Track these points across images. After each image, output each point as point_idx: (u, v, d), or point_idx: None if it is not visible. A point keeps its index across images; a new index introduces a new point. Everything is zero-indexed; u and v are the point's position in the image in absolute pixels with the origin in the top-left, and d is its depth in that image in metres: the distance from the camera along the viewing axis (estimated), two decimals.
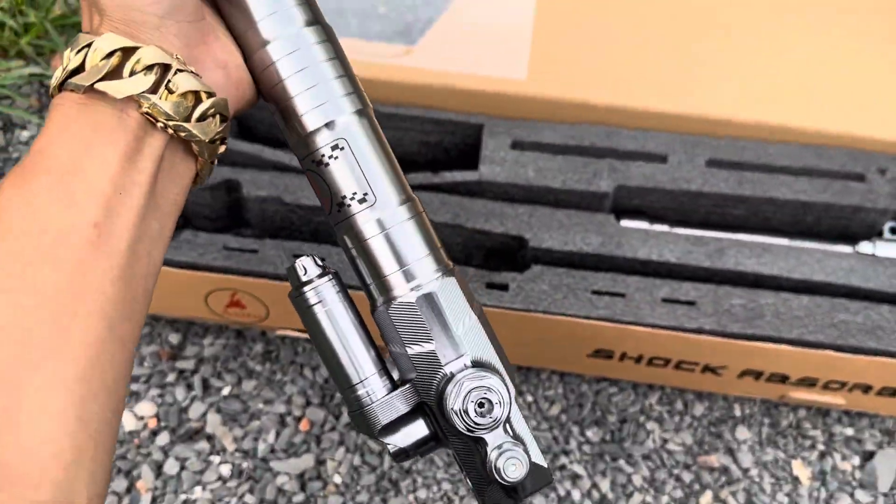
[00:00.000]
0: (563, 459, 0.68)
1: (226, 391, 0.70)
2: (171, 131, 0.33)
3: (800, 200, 0.70)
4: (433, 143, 0.78)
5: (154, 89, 0.31)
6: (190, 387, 0.70)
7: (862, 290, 0.67)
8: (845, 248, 0.70)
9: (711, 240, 0.68)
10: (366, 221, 0.38)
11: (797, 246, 0.70)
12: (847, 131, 0.72)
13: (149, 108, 0.32)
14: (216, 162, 0.38)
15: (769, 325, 0.64)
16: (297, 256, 0.66)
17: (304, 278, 0.39)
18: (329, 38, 0.39)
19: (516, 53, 0.76)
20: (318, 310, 0.38)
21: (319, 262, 0.40)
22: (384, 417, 0.37)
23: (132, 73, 0.31)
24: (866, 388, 0.67)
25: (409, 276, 0.38)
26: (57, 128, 0.31)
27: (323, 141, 0.37)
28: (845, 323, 0.64)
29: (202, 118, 0.33)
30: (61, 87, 0.32)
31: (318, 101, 0.37)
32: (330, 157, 0.38)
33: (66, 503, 0.28)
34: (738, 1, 0.78)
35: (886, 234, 0.72)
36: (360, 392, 0.38)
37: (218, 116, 0.35)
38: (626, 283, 0.66)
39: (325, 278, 0.39)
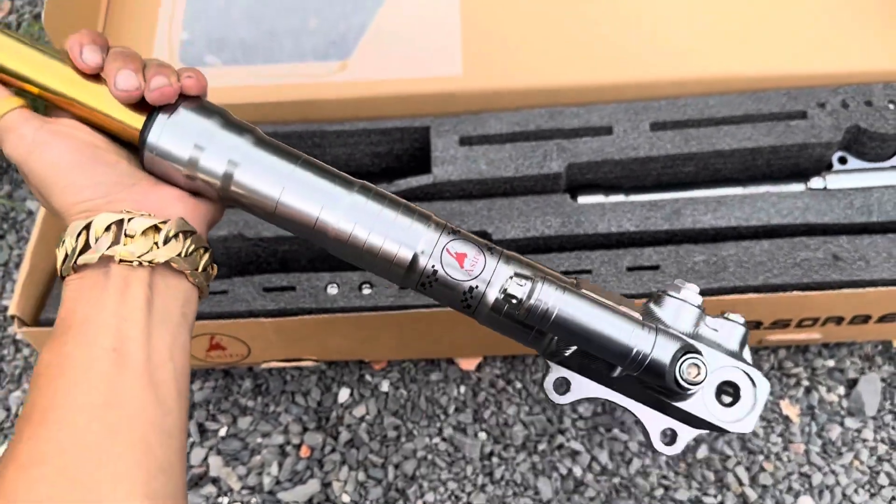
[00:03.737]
0: (560, 438, 0.70)
1: (223, 432, 0.71)
2: (146, 264, 0.39)
3: (746, 148, 0.71)
4: (384, 153, 0.79)
5: (115, 241, 0.38)
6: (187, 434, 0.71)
7: (819, 225, 0.68)
8: (798, 187, 0.72)
9: (667, 202, 0.70)
10: (493, 291, 0.41)
11: (751, 193, 0.71)
12: (782, 72, 0.74)
13: (120, 256, 0.38)
14: (213, 269, 0.43)
15: (734, 275, 0.65)
16: (269, 290, 0.67)
17: (522, 294, 0.39)
18: (368, 189, 0.42)
19: (449, 51, 0.77)
20: (558, 307, 0.38)
21: (519, 272, 0.42)
22: (665, 358, 0.39)
23: (96, 240, 0.38)
24: (839, 320, 0.69)
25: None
26: (69, 300, 0.39)
27: (421, 266, 0.41)
28: (807, 261, 0.66)
29: (167, 241, 0.39)
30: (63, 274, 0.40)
31: (399, 241, 0.41)
32: (434, 271, 0.41)
33: None
34: None
35: (836, 166, 0.74)
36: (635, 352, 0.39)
37: (181, 235, 0.40)
38: (591, 259, 0.67)
39: (539, 281, 0.39)
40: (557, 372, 0.43)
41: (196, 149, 0.40)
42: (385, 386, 0.72)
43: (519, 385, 0.73)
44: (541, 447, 0.70)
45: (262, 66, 0.78)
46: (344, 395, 0.72)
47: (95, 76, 0.40)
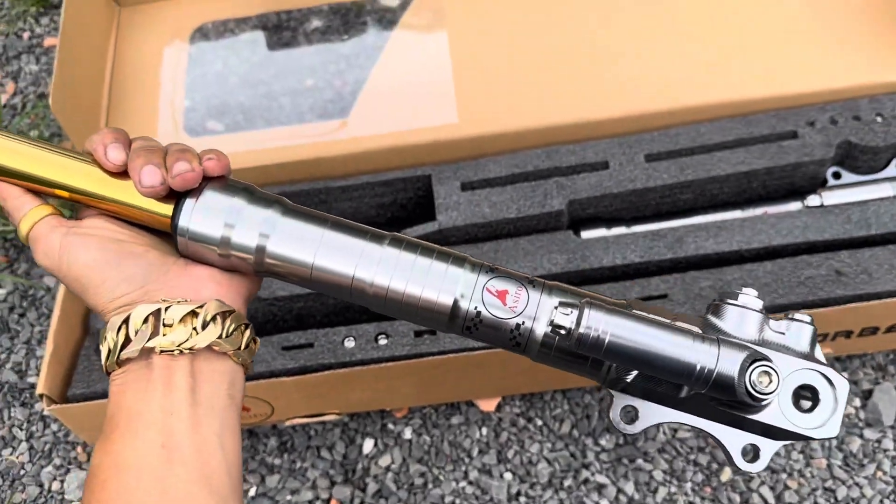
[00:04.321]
0: (586, 473, 0.71)
1: (252, 492, 0.72)
2: (187, 352, 0.39)
3: (741, 171, 0.73)
4: (388, 203, 0.81)
5: (155, 333, 0.39)
6: None
7: (819, 242, 0.70)
8: (795, 205, 0.74)
9: (669, 231, 0.71)
10: (540, 325, 0.40)
11: (749, 215, 0.73)
12: (769, 94, 0.75)
13: (161, 346, 0.38)
14: (255, 343, 0.43)
15: None
16: (288, 348, 0.68)
17: (570, 323, 0.37)
18: (400, 240, 0.42)
19: (443, 100, 0.79)
20: (610, 332, 0.36)
21: (564, 301, 0.40)
22: (732, 370, 0.37)
23: (135, 333, 0.39)
24: (848, 334, 0.70)
25: None
26: (115, 395, 0.39)
27: (463, 309, 0.41)
28: (811, 278, 0.67)
29: (205, 325, 0.39)
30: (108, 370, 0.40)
31: (437, 288, 0.41)
32: (477, 313, 0.41)
33: None
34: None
35: (830, 181, 0.75)
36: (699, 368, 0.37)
37: (219, 316, 0.40)
38: (599, 292, 0.68)
39: (586, 307, 0.37)
40: (622, 400, 0.42)
41: (226, 227, 0.41)
42: (408, 433, 0.73)
43: (540, 422, 0.74)
44: (567, 483, 0.71)
45: (266, 129, 0.80)
46: (368, 445, 0.73)
47: (121, 172, 0.42)
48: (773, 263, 0.68)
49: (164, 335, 0.39)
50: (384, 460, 0.72)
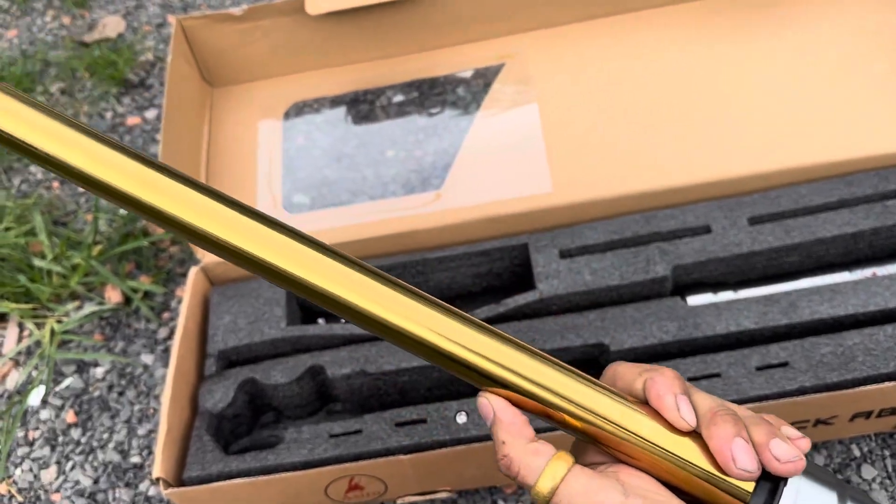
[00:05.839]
0: None
1: None
2: None
3: (847, 233, 0.72)
4: (484, 273, 0.81)
5: None
6: None
7: None
8: None
9: (781, 296, 0.70)
10: None
11: (860, 277, 0.72)
12: (868, 153, 0.75)
13: None
14: None
15: (864, 364, 0.65)
16: (401, 424, 0.68)
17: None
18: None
19: (536, 169, 0.80)
20: None
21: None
22: None
23: None
24: None
25: None
26: None
27: None
28: None
29: None
30: None
31: None
32: None
33: None
34: (723, 62, 0.83)
35: None
36: None
37: None
38: (717, 362, 0.67)
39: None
40: None
41: None
42: None
43: None
44: None
45: (365, 203, 0.81)
46: None
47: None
48: (894, 327, 0.67)
49: None
50: None
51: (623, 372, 0.39)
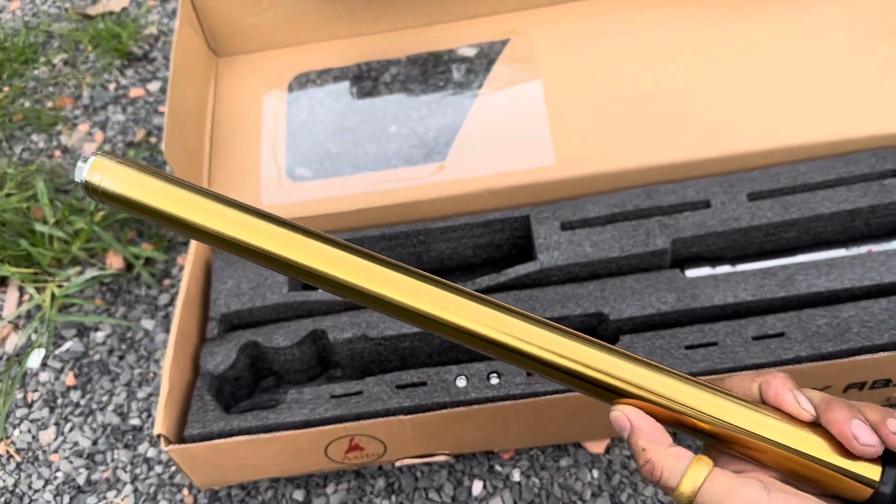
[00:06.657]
0: None
1: None
2: None
3: (845, 210, 0.73)
4: (486, 244, 0.82)
5: None
6: None
7: None
8: None
9: (778, 269, 0.71)
10: None
11: (855, 254, 0.73)
12: (867, 133, 0.76)
13: None
14: None
15: (859, 335, 0.66)
16: (402, 387, 0.68)
17: None
18: None
19: (540, 143, 0.81)
20: None
21: None
22: None
23: None
24: None
25: None
26: None
27: None
28: None
29: None
30: None
31: None
32: None
33: None
34: (727, 39, 0.83)
35: None
36: None
37: None
38: (715, 331, 0.68)
39: None
40: None
41: None
42: (517, 475, 0.73)
43: None
44: None
45: (368, 173, 0.82)
46: (477, 487, 0.72)
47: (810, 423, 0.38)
48: (889, 300, 0.68)
49: None
50: (494, 503, 0.71)
51: (737, 381, 0.41)
